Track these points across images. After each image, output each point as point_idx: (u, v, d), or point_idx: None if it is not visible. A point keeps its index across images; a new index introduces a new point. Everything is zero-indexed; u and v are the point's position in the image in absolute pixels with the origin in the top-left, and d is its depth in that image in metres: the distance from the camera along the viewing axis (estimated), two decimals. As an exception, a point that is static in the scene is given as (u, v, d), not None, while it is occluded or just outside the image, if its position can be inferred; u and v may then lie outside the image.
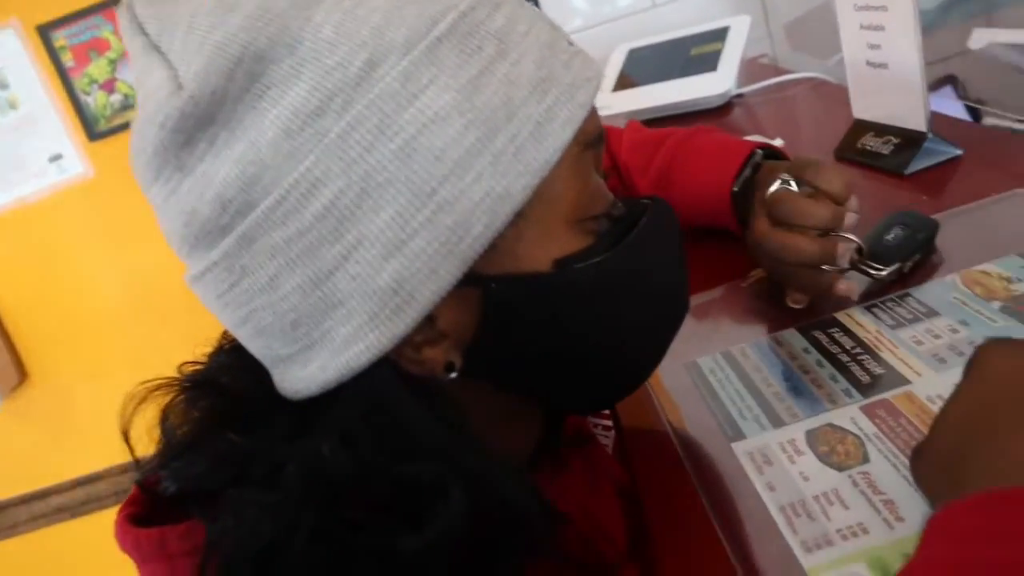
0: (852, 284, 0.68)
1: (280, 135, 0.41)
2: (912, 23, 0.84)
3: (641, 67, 1.54)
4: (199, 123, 0.41)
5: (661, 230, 0.52)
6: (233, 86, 0.41)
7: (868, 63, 0.94)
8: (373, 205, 0.41)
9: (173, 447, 0.49)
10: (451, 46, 0.43)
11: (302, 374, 0.45)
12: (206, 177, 0.42)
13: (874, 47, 0.92)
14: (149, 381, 0.51)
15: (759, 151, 0.79)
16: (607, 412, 0.70)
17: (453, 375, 0.47)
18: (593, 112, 0.47)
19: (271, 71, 0.41)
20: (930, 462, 0.41)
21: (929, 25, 1.90)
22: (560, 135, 0.44)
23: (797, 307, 0.69)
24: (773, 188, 0.68)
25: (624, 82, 1.53)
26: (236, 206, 0.42)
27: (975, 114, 1.92)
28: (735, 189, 0.78)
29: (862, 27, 0.92)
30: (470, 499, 0.43)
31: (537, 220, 0.45)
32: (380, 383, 0.44)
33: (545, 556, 0.46)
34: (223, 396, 0.50)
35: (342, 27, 0.42)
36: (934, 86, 1.98)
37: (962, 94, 1.96)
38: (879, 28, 0.90)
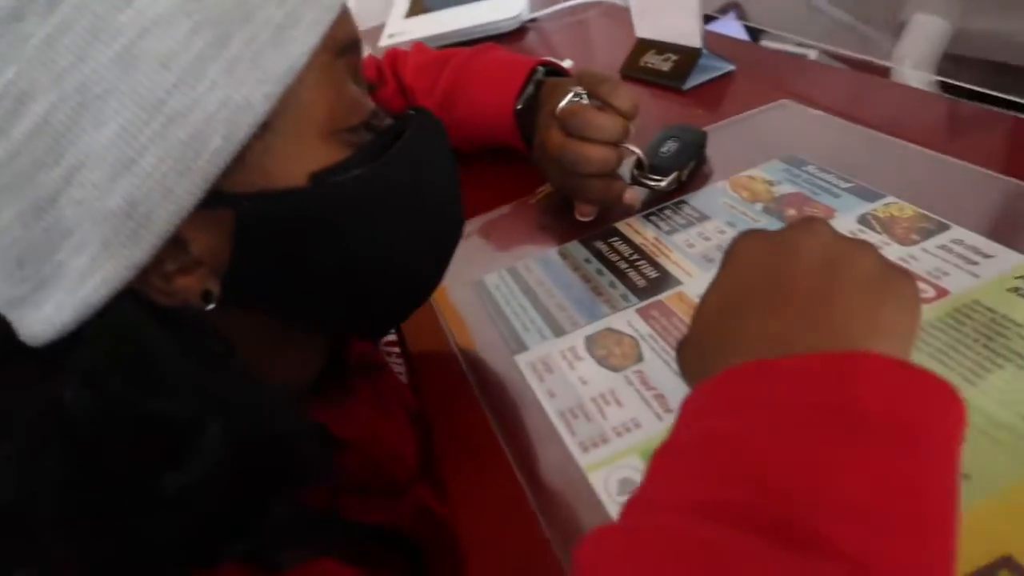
0: (636, 192, 0.70)
1: None
2: (682, -62, 0.86)
3: (433, -9, 1.50)
4: None
5: (427, 142, 0.50)
6: None
7: (646, -19, 0.96)
8: (93, 120, 0.37)
9: None
10: None
11: (38, 316, 0.41)
12: None
13: (650, -36, 0.94)
14: None
15: (541, 68, 0.79)
16: (395, 339, 0.69)
17: (211, 305, 0.44)
18: (345, 16, 0.45)
19: None
20: (690, 351, 0.42)
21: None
22: (305, 40, 0.41)
23: (585, 219, 0.70)
24: (565, 101, 0.68)
25: (417, 7, 1.49)
26: None
27: (756, 38, 2.02)
28: (519, 107, 0.78)
29: (638, -56, 0.94)
30: (231, 431, 0.40)
31: (287, 132, 0.42)
32: (124, 318, 0.40)
33: (323, 483, 0.45)
34: None
35: None
36: (720, 11, 2.06)
37: (743, 18, 2.05)
38: (653, -55, 0.91)
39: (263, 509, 0.42)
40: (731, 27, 2.01)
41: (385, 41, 1.43)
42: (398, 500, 0.56)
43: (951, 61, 1.20)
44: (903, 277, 0.38)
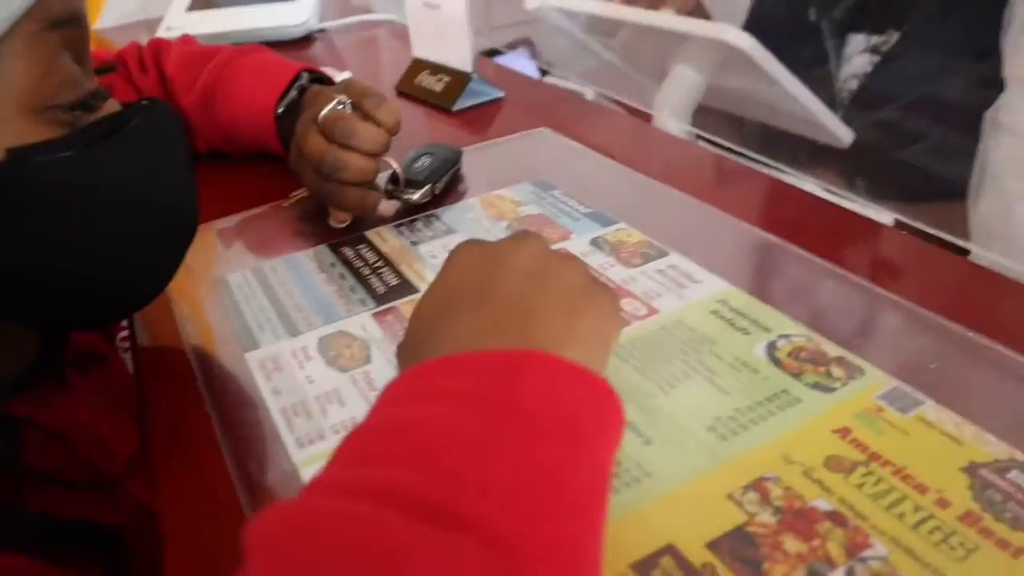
0: (391, 205, 0.71)
1: None
2: (457, -35, 0.89)
3: (220, -12, 1.46)
4: None
5: (157, 133, 0.48)
6: None
7: (424, 3, 0.98)
8: None
9: None
10: None
11: None
12: None
13: (429, -13, 0.96)
14: None
15: (305, 73, 0.79)
16: (126, 330, 0.66)
17: None
18: None
19: None
20: (405, 350, 0.43)
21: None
22: (4, 6, 0.39)
23: (340, 226, 0.70)
24: (328, 108, 0.67)
25: (202, 2, 1.44)
26: None
27: (544, 74, 2.11)
28: (279, 111, 0.77)
29: (418, -35, 0.96)
30: None
31: None
32: None
33: (8, 474, 0.42)
34: None
35: None
36: (511, 46, 2.13)
37: (534, 55, 2.14)
38: (432, -32, 0.93)
39: None
40: (520, 63, 2.09)
41: (162, 33, 1.37)
42: (113, 495, 0.53)
43: (703, 112, 1.31)
44: (604, 292, 0.41)
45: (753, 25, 1.37)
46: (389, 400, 0.34)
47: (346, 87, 0.70)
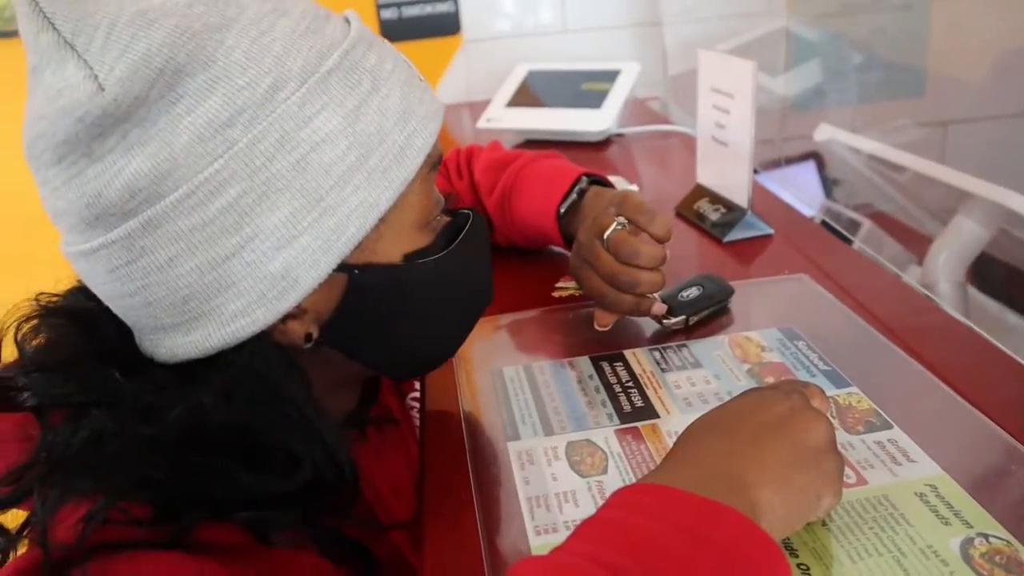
0: (662, 305, 0.80)
1: (194, 139, 0.48)
2: (749, 117, 0.98)
3: (536, 88, 1.65)
4: (116, 121, 0.47)
5: (478, 236, 0.65)
6: (152, 92, 0.47)
7: (714, 138, 1.08)
8: (270, 205, 0.51)
9: (34, 363, 0.54)
10: (338, 79, 0.53)
11: (183, 341, 0.53)
12: (115, 167, 0.48)
13: (720, 126, 1.06)
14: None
15: (584, 177, 0.92)
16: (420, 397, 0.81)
17: (308, 345, 0.57)
18: (437, 139, 0.59)
19: (186, 83, 0.48)
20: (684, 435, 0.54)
21: (800, 107, 2.09)
22: (416, 158, 0.56)
23: (603, 329, 0.81)
24: (611, 230, 0.78)
25: (521, 99, 1.63)
26: (144, 195, 0.49)
27: (828, 190, 2.13)
28: (562, 211, 0.91)
29: (714, 107, 1.06)
30: (318, 456, 0.55)
31: (394, 223, 0.57)
32: (261, 350, 0.54)
33: (347, 507, 0.59)
34: (93, 332, 0.56)
35: (250, 52, 0.50)
36: (798, 159, 2.17)
37: (822, 171, 2.16)
38: (726, 111, 1.03)
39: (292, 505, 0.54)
40: (806, 175, 2.13)
41: (483, 123, 1.58)
42: (375, 536, 0.67)
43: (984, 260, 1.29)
44: (833, 459, 0.51)
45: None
46: (619, 503, 0.46)
47: (621, 203, 0.80)
